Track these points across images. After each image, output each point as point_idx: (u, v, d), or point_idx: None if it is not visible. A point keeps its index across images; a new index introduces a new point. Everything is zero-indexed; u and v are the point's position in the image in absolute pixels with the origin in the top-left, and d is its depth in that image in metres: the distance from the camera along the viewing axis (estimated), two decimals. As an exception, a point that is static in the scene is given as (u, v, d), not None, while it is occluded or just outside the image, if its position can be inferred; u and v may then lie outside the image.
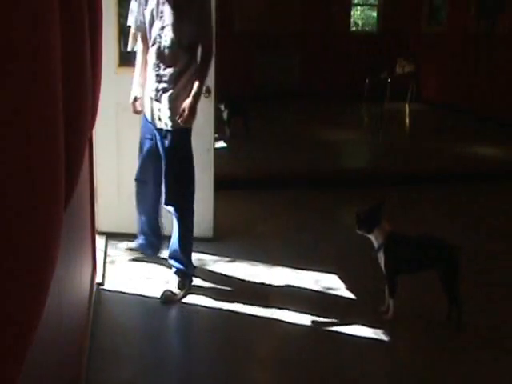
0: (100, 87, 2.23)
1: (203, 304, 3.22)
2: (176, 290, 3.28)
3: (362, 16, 12.90)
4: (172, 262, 3.41)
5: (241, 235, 4.25)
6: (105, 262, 3.65)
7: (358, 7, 12.35)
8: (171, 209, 3.35)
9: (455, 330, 3.03)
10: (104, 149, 3.86)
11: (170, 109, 3.18)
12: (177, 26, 3.08)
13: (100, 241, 3.82)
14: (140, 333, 3.04)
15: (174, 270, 3.39)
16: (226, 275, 3.60)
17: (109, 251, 3.82)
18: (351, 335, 2.97)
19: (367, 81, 10.11)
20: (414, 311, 3.35)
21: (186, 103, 3.15)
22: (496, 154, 7.01)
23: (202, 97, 3.82)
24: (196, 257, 3.81)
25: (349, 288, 3.49)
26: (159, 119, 3.24)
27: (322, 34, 10.62)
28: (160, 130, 3.27)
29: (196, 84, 3.16)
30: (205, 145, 3.96)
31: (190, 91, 3.16)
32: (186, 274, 3.38)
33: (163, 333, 3.03)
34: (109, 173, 3.87)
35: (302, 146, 7.03)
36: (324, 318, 3.13)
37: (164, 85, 3.17)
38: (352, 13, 11.70)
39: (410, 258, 3.12)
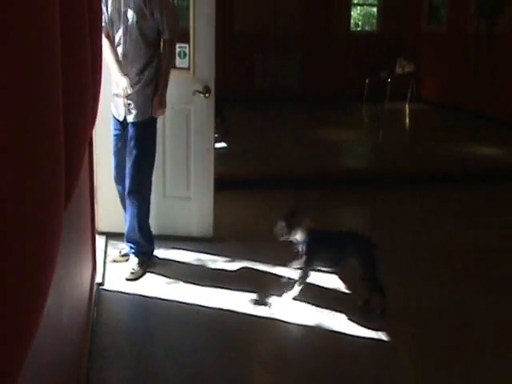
0: (100, 87, 2.23)
1: (203, 304, 3.22)
2: (137, 268, 3.54)
3: (361, 16, 12.89)
4: (130, 244, 3.62)
5: (241, 235, 4.25)
6: (105, 262, 3.65)
7: (358, 7, 12.34)
8: (133, 198, 3.52)
9: (380, 315, 3.14)
10: (104, 149, 3.86)
11: (139, 101, 3.41)
12: (141, 24, 3.33)
13: (100, 241, 3.82)
14: (140, 332, 3.04)
15: (132, 251, 3.61)
16: (225, 275, 3.60)
17: (109, 251, 3.82)
18: (351, 335, 2.98)
19: (367, 81, 10.11)
20: (414, 311, 3.35)
21: (156, 97, 3.44)
22: (496, 153, 7.01)
23: (202, 97, 3.84)
24: (196, 257, 3.82)
25: (349, 288, 3.49)
26: (128, 113, 3.44)
27: (322, 33, 10.61)
28: (128, 124, 3.46)
29: (162, 76, 3.45)
30: (205, 145, 3.96)
31: (157, 82, 3.45)
32: (144, 252, 3.63)
33: (163, 332, 3.03)
34: (109, 173, 3.86)
35: (302, 146, 7.03)
36: (324, 317, 3.13)
37: (131, 80, 3.39)
38: (352, 12, 11.69)
39: (328, 251, 3.31)
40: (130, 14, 3.32)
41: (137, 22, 3.32)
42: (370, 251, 3.18)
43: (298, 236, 3.24)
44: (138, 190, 3.51)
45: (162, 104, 3.48)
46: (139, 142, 3.45)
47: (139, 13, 3.32)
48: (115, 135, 3.57)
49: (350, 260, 3.23)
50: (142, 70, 3.39)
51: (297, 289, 3.26)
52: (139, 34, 3.34)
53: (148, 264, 3.64)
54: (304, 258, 3.24)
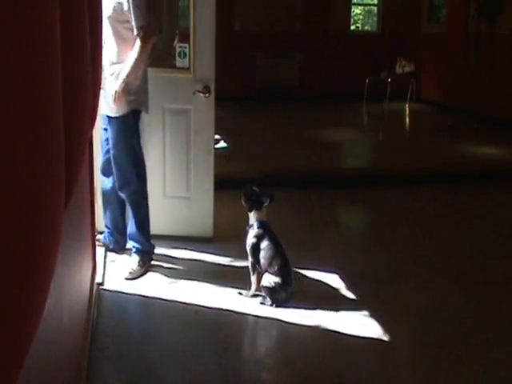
0: (100, 87, 2.23)
1: (203, 304, 3.22)
2: (136, 268, 3.52)
3: (362, 16, 12.90)
4: (132, 242, 3.62)
5: (241, 235, 4.24)
6: (105, 262, 3.65)
7: (358, 6, 12.36)
8: (123, 195, 3.55)
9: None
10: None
11: (112, 95, 3.37)
12: (114, 17, 3.30)
13: (100, 241, 3.82)
14: (140, 333, 3.04)
15: (134, 249, 3.60)
16: (225, 275, 3.60)
17: (109, 251, 3.82)
18: (351, 335, 2.97)
19: (367, 81, 10.11)
20: (414, 311, 3.35)
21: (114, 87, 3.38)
22: (496, 153, 7.01)
23: (202, 97, 3.84)
24: (196, 257, 3.82)
25: (349, 288, 3.49)
26: (108, 106, 3.43)
27: (322, 33, 10.61)
28: (108, 117, 3.46)
29: (124, 67, 3.35)
30: (205, 145, 3.96)
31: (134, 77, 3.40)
32: (145, 252, 3.61)
33: (163, 333, 3.03)
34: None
35: (302, 146, 7.03)
36: (324, 317, 3.13)
37: (104, 74, 3.32)
38: (352, 12, 11.69)
39: (261, 249, 3.30)
40: (105, 4, 3.24)
41: (109, 15, 3.29)
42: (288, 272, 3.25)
43: (251, 218, 3.34)
44: (124, 186, 3.52)
45: (115, 97, 3.35)
46: (114, 138, 3.45)
47: (113, 5, 3.29)
48: (103, 129, 3.58)
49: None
50: (116, 63, 3.35)
51: (253, 280, 3.29)
52: (112, 28, 3.32)
53: (149, 264, 3.63)
54: (247, 246, 3.31)
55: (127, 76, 3.33)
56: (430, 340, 3.03)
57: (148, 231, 3.65)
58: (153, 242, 3.71)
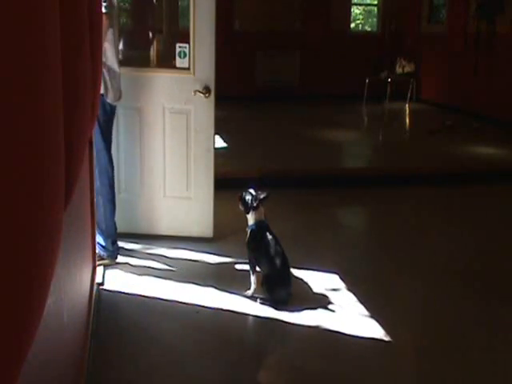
0: (100, 87, 2.23)
1: (203, 304, 3.22)
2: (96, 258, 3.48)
3: (362, 15, 12.90)
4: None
5: (241, 235, 4.24)
6: (105, 262, 3.65)
7: (358, 6, 12.35)
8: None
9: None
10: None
11: None
12: None
13: (100, 241, 3.81)
14: (140, 333, 3.04)
15: None
16: (225, 275, 3.60)
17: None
18: (351, 335, 2.97)
19: (367, 81, 10.11)
20: (414, 311, 3.35)
21: None
22: (496, 153, 7.01)
23: (202, 97, 3.83)
24: (196, 257, 3.82)
25: (349, 288, 3.49)
26: None
27: (321, 33, 10.61)
28: None
29: None
30: (205, 145, 3.96)
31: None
32: (101, 247, 3.59)
33: (163, 332, 3.03)
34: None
35: (301, 146, 7.03)
36: (324, 317, 3.13)
37: None
38: (352, 12, 11.68)
39: (262, 246, 3.33)
40: None
41: None
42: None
43: (249, 219, 3.36)
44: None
45: None
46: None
47: None
48: None
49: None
50: None
51: (253, 280, 3.28)
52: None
53: (111, 261, 3.62)
54: (246, 244, 3.33)
55: None
56: (430, 340, 3.03)
57: (105, 231, 3.58)
58: (153, 241, 3.71)
